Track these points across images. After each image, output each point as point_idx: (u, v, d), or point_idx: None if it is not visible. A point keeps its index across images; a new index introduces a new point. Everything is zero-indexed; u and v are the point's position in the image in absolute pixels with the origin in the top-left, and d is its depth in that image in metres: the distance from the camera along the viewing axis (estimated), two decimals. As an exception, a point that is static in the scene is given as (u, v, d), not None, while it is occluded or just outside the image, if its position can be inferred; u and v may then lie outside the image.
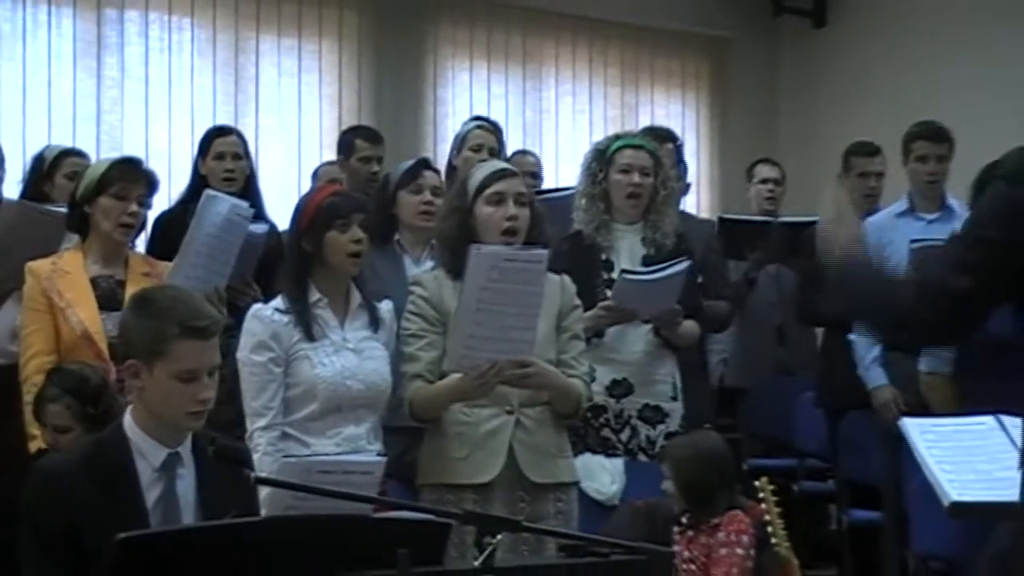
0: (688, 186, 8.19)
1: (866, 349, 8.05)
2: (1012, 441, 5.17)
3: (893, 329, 4.32)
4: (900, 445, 5.74)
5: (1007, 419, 5.28)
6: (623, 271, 6.92)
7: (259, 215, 7.49)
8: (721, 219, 10.21)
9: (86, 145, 8.87)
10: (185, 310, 4.52)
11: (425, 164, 7.32)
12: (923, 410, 6.91)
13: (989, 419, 5.30)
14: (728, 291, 8.20)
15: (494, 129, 8.56)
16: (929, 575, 7.25)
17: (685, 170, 8.02)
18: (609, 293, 6.90)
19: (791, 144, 11.86)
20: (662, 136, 8.08)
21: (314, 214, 5.94)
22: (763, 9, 13.06)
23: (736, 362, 9.86)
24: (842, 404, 8.40)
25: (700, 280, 7.45)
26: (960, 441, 5.27)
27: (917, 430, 5.38)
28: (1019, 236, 3.88)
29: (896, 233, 8.05)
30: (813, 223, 9.11)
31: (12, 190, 7.83)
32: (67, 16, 9.95)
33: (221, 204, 6.85)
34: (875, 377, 8.01)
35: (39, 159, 8.05)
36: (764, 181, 10.33)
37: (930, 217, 8.16)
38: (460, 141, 8.44)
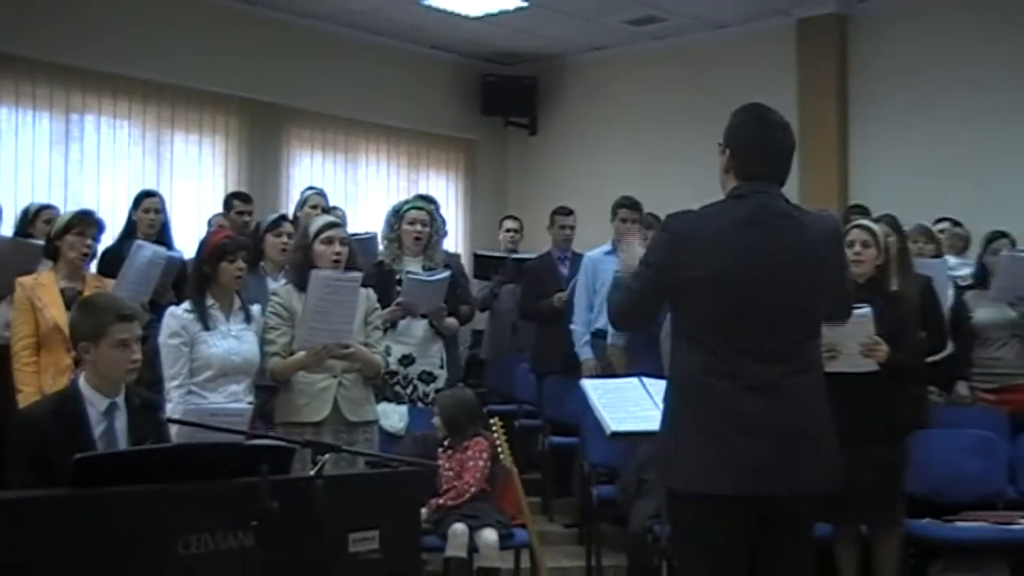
0: (446, 232, 8.24)
1: (580, 336, 8.24)
2: (648, 394, 5.26)
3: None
4: (582, 397, 5.81)
5: (647, 380, 5.36)
6: (408, 272, 6.97)
7: (170, 248, 7.51)
8: (475, 255, 10.57)
9: (57, 201, 8.71)
10: (115, 305, 4.56)
11: (284, 218, 7.47)
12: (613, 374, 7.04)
13: (635, 380, 5.39)
14: (472, 300, 8.27)
15: (323, 194, 8.64)
16: (597, 476, 7.36)
17: (444, 223, 8.03)
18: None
19: (516, 208, 11.92)
20: (428, 200, 8.19)
21: (212, 250, 5.90)
22: (497, 122, 13.09)
23: (487, 345, 9.94)
24: (546, 370, 8.54)
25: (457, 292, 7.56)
26: (617, 394, 5.35)
27: (591, 386, 5.46)
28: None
29: (604, 265, 8.12)
30: (531, 258, 9.35)
31: (7, 231, 7.85)
32: (45, 118, 9.83)
33: (146, 250, 6.91)
34: (585, 353, 8.17)
35: (25, 212, 8.03)
36: (508, 231, 10.45)
37: (626, 255, 8.30)
38: (302, 203, 8.50)
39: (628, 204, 8.44)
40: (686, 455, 3.87)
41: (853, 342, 5.75)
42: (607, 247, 8.37)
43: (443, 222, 7.85)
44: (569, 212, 9.22)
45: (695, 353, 3.92)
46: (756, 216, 3.94)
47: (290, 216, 7.95)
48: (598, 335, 8.09)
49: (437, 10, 11.12)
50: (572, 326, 8.32)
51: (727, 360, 3.86)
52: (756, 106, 4.17)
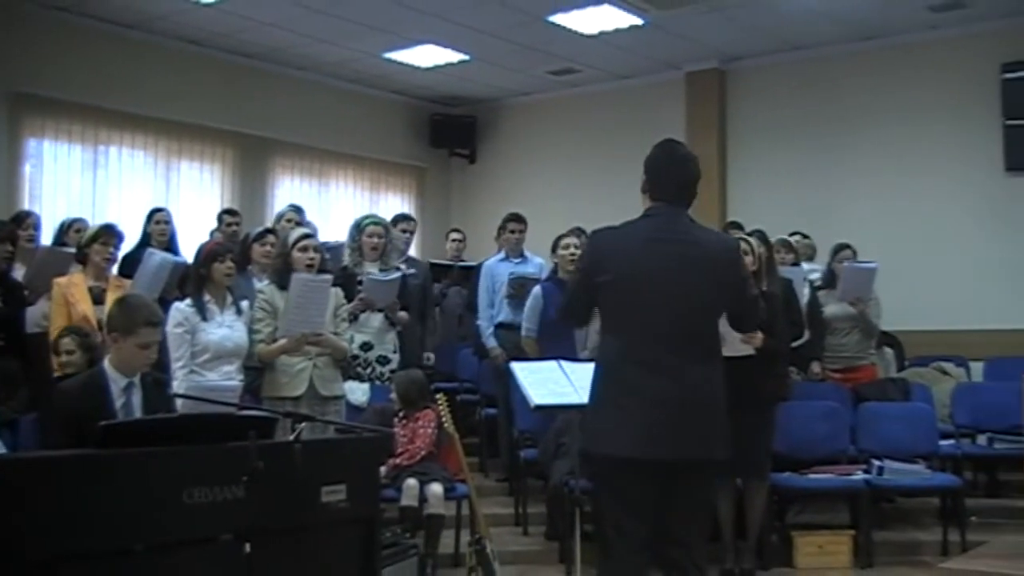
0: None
1: (485, 329, 8.15)
2: (565, 374, 5.29)
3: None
4: (509, 376, 5.81)
5: (563, 362, 5.39)
6: (367, 274, 6.92)
7: (176, 254, 7.49)
8: (429, 263, 10.35)
9: (86, 216, 8.55)
10: (150, 310, 4.53)
11: (268, 230, 7.32)
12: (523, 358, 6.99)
13: (553, 363, 5.41)
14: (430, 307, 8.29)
15: (299, 210, 8.58)
16: (523, 440, 7.38)
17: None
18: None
19: (458, 223, 11.90)
20: (406, 218, 8.58)
21: (207, 254, 5.89)
22: (443, 153, 13.04)
23: (438, 334, 9.86)
24: (482, 355, 8.46)
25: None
26: (539, 373, 5.36)
27: (519, 367, 5.48)
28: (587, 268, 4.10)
29: (500, 269, 8.19)
30: (475, 266, 9.19)
31: (46, 240, 7.87)
32: (77, 149, 9.77)
33: (156, 256, 6.94)
34: (490, 342, 8.05)
35: (61, 225, 7.98)
36: (454, 241, 10.29)
37: (516, 261, 8.22)
38: (279, 217, 8.47)
39: (515, 218, 8.42)
40: (604, 425, 3.94)
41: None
42: (501, 255, 8.38)
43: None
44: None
45: (614, 341, 3.99)
46: (661, 232, 4.00)
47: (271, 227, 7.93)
48: (500, 327, 8.01)
49: (395, 62, 11.13)
50: (478, 321, 8.26)
51: (637, 347, 3.91)
52: (669, 141, 4.22)
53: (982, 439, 7.70)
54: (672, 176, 4.08)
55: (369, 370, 6.93)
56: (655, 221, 4.04)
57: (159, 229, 7.94)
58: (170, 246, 7.78)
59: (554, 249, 7.41)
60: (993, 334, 9.26)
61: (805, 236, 8.98)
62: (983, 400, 7.70)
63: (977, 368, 9.06)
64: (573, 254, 7.08)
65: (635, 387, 3.89)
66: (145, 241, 7.86)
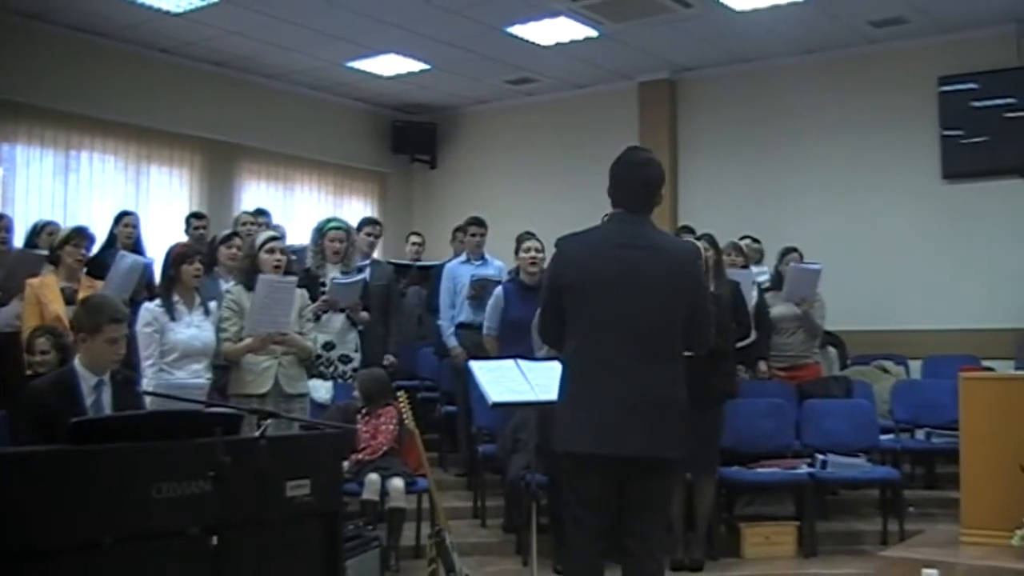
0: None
1: (446, 329, 8.12)
2: (522, 372, 5.30)
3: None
4: (468, 375, 5.81)
5: (520, 361, 5.40)
6: (333, 278, 6.93)
7: (141, 256, 7.45)
8: (388, 262, 10.30)
9: (58, 219, 8.56)
10: (113, 308, 4.54)
11: (234, 233, 7.33)
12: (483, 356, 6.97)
13: (510, 362, 5.41)
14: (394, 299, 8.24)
15: (263, 212, 8.56)
16: (481, 436, 7.40)
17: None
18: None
19: (419, 226, 11.89)
20: (372, 222, 8.37)
21: (175, 256, 5.89)
22: (404, 159, 13.00)
23: (396, 334, 9.80)
24: (442, 354, 8.44)
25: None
26: (497, 372, 5.36)
27: (477, 366, 5.47)
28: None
29: (461, 271, 8.17)
30: (432, 266, 9.14)
31: (18, 243, 7.82)
32: (49, 154, 9.69)
33: (128, 259, 6.92)
34: (451, 342, 8.03)
35: (33, 227, 7.91)
36: (413, 243, 10.22)
37: (477, 264, 8.21)
38: (235, 222, 8.46)
39: (476, 222, 8.42)
40: (564, 422, 3.99)
41: None
42: (463, 257, 8.38)
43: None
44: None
45: (577, 342, 4.01)
46: (624, 237, 4.03)
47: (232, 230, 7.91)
48: (461, 327, 8.00)
49: (358, 71, 11.10)
50: (439, 322, 8.25)
51: (599, 348, 3.95)
52: (632, 149, 4.25)
53: (920, 434, 7.82)
54: (633, 183, 4.11)
55: (332, 368, 6.93)
56: (618, 227, 4.08)
57: (126, 232, 7.90)
58: (136, 248, 7.74)
59: (517, 251, 7.44)
60: (931, 334, 9.38)
61: (755, 240, 9.05)
62: (921, 397, 7.80)
63: (916, 366, 9.17)
64: (534, 258, 7.13)
65: (594, 386, 3.93)
66: (111, 243, 7.82)
